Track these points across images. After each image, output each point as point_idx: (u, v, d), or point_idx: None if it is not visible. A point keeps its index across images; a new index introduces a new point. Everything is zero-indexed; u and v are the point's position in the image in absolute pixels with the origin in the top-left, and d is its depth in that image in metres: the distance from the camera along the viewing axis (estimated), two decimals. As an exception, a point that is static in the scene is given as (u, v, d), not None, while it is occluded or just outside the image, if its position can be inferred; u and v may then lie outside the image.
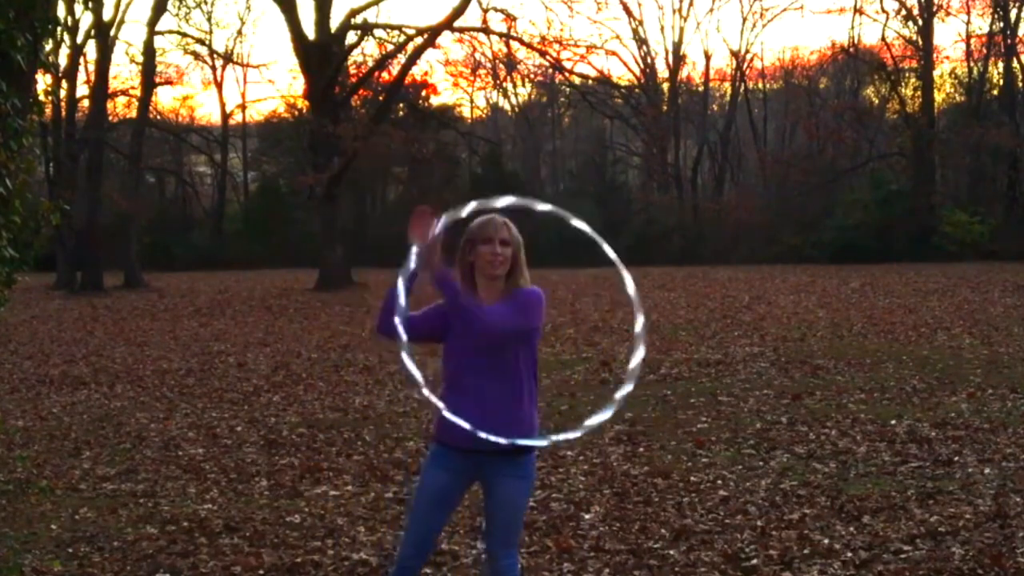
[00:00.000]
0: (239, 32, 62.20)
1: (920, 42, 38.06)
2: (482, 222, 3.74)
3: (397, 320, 3.64)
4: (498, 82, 47.67)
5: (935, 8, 37.73)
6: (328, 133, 27.07)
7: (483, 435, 3.53)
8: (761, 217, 38.60)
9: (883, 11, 39.67)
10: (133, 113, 37.90)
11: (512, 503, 3.76)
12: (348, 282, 27.62)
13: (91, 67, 34.08)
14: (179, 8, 38.07)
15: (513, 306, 3.67)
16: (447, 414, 3.58)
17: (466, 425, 3.53)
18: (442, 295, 3.64)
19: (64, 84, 32.40)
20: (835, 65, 44.54)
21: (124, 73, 44.28)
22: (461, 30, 30.70)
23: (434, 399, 3.62)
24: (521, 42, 31.81)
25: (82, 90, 35.47)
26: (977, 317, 16.02)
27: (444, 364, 3.77)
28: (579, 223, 3.84)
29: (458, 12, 27.87)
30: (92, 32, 31.41)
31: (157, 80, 37.42)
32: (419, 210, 3.63)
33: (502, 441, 3.57)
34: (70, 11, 29.39)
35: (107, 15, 30.85)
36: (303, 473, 7.19)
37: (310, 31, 28.33)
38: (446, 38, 31.68)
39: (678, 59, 44.53)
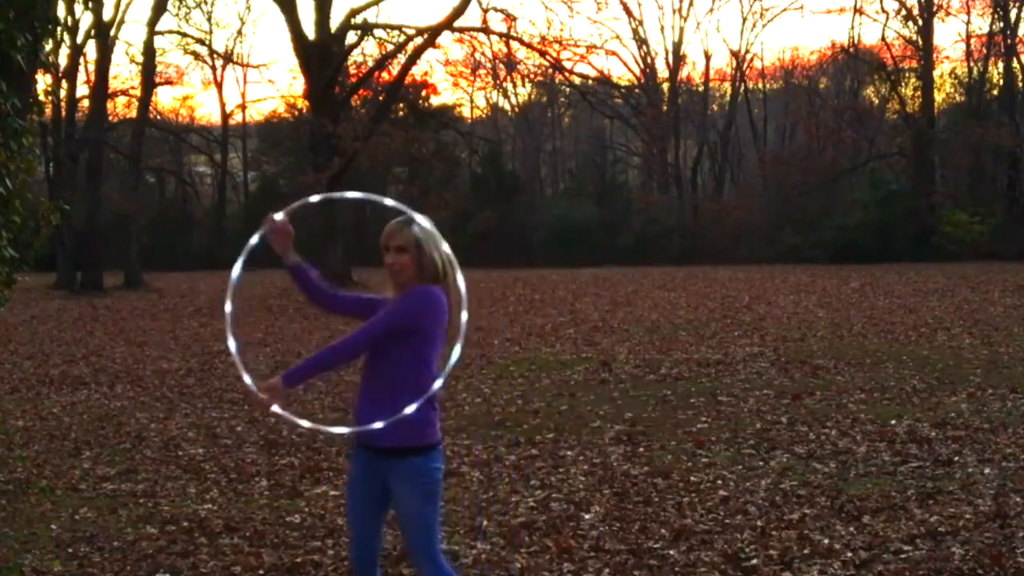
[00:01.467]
0: (239, 32, 62.47)
1: (920, 42, 38.07)
2: (386, 228, 3.68)
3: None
4: (498, 82, 47.72)
5: (935, 8, 37.75)
6: (328, 133, 27.06)
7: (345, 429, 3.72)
8: (761, 217, 38.62)
9: (883, 11, 39.74)
10: (133, 113, 37.92)
11: (403, 506, 3.67)
12: (348, 282, 27.59)
13: (91, 67, 34.10)
14: (179, 8, 38.16)
15: (393, 304, 3.66)
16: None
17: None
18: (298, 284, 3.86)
19: (64, 84, 32.40)
20: (835, 65, 44.59)
21: (124, 73, 44.47)
22: (461, 30, 30.70)
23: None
24: (521, 42, 31.81)
25: (82, 90, 35.51)
26: (977, 317, 16.01)
27: None
28: (420, 218, 3.73)
29: (458, 12, 27.88)
30: (92, 32, 31.40)
31: (157, 80, 37.46)
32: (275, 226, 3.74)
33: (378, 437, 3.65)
34: (70, 11, 29.41)
35: (107, 15, 30.88)
36: (303, 473, 7.19)
37: (310, 31, 28.34)
38: (446, 38, 31.73)
39: (678, 59, 44.57)
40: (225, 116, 47.73)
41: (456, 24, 29.01)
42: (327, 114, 27.62)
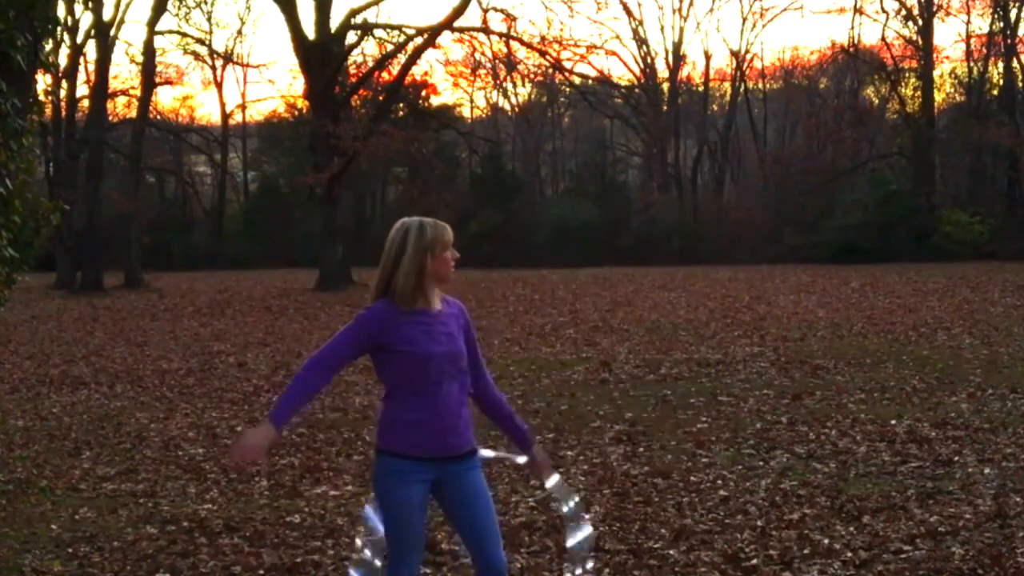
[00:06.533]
0: (239, 32, 62.27)
1: (920, 42, 38.09)
2: (441, 225, 3.68)
3: None
4: (498, 82, 47.68)
5: (935, 8, 37.76)
6: (328, 133, 27.06)
7: None
8: (761, 217, 38.63)
9: (883, 11, 39.75)
10: (133, 113, 37.87)
11: None
12: (348, 282, 27.60)
13: (91, 67, 34.10)
14: (179, 8, 38.13)
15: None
16: None
17: None
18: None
19: (64, 84, 32.40)
20: (835, 65, 44.57)
21: (124, 73, 44.33)
22: (461, 30, 30.67)
23: None
24: (521, 42, 31.79)
25: (82, 90, 35.50)
26: (977, 317, 16.01)
27: None
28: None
29: (458, 12, 27.87)
30: (92, 32, 31.41)
31: (157, 80, 37.42)
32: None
33: None
34: (70, 11, 29.43)
35: (107, 15, 30.88)
36: (303, 473, 7.19)
37: (310, 31, 28.34)
38: (446, 38, 31.66)
39: (678, 59, 44.56)
40: (225, 116, 47.73)
41: (456, 24, 28.99)
42: (327, 114, 27.62)
